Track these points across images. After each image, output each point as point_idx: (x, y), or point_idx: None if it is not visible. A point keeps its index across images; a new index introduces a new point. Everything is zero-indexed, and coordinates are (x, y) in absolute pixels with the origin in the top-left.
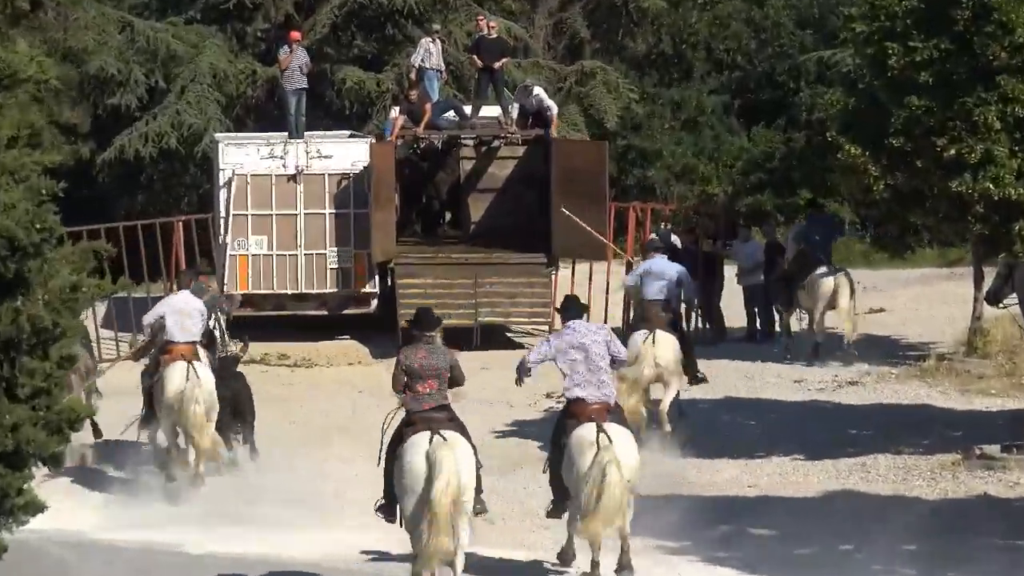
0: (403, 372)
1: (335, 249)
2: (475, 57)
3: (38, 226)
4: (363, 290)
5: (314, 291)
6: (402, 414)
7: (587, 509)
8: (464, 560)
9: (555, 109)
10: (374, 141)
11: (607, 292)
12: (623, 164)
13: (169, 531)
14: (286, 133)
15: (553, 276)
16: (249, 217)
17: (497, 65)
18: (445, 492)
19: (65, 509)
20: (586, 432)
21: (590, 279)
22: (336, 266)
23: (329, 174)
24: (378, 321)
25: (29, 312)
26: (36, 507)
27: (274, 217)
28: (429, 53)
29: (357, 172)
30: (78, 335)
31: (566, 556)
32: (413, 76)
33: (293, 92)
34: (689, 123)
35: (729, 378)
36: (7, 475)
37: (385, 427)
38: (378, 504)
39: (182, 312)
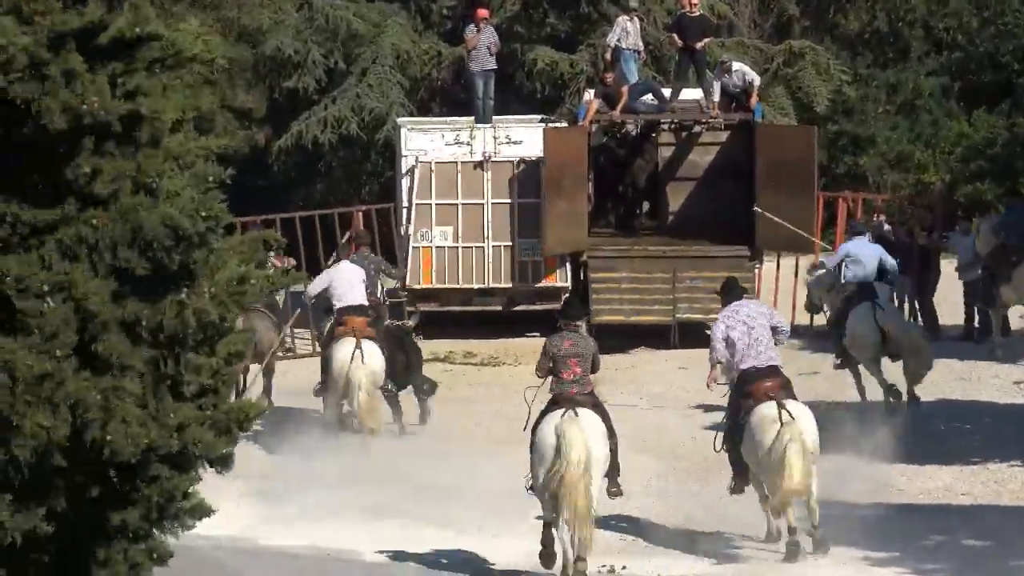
0: (549, 359)
1: (522, 241)
2: (675, 36)
3: (204, 214)
4: (552, 284)
5: (501, 285)
6: (545, 390)
7: (776, 485)
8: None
9: (758, 80)
10: (564, 125)
11: None
12: (833, 151)
13: (339, 532)
14: (472, 118)
15: (757, 270)
16: (433, 207)
17: (699, 45)
18: (572, 462)
19: (227, 509)
20: (767, 410)
21: (795, 274)
22: (524, 259)
23: (518, 161)
24: None
25: (195, 306)
26: (203, 511)
27: (460, 207)
28: (626, 32)
29: None
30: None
31: (770, 535)
32: (609, 57)
33: (480, 74)
34: (905, 107)
35: (943, 379)
36: (173, 477)
37: (531, 404)
38: (527, 483)
39: (347, 280)
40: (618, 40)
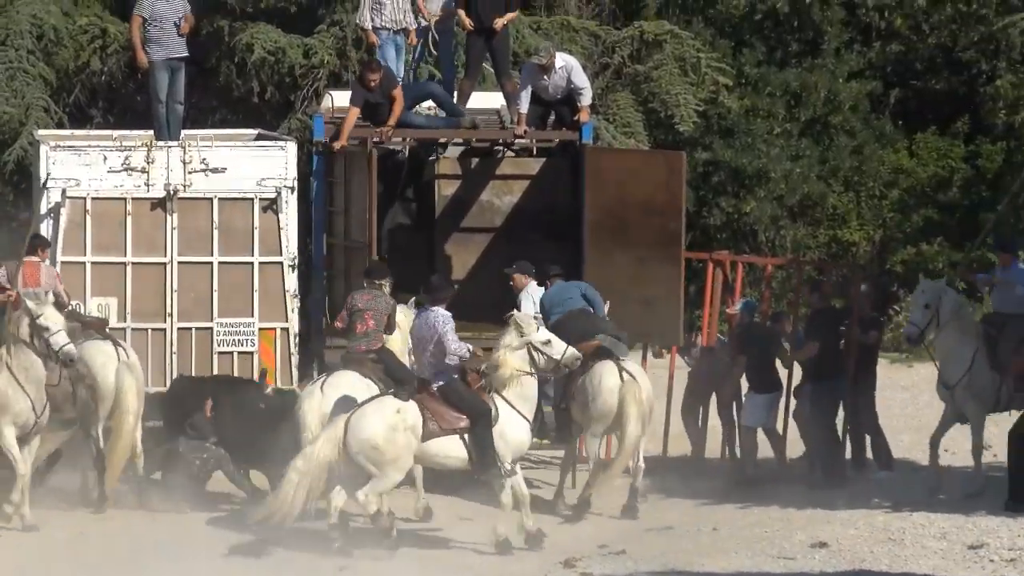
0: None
1: (225, 323)
2: (462, 12)
3: None
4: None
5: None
6: None
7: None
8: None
9: (589, 92)
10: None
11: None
12: (703, 191)
13: None
14: (151, 132)
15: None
16: (88, 266)
17: (498, 25)
18: None
19: None
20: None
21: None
22: (227, 348)
23: (220, 197)
24: None
25: None
26: None
27: (129, 267)
28: (380, 4)
29: (269, 195)
30: None
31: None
32: (373, 40)
33: (163, 64)
34: (814, 126)
35: None
36: None
37: None
38: None
39: None
40: (371, 16)
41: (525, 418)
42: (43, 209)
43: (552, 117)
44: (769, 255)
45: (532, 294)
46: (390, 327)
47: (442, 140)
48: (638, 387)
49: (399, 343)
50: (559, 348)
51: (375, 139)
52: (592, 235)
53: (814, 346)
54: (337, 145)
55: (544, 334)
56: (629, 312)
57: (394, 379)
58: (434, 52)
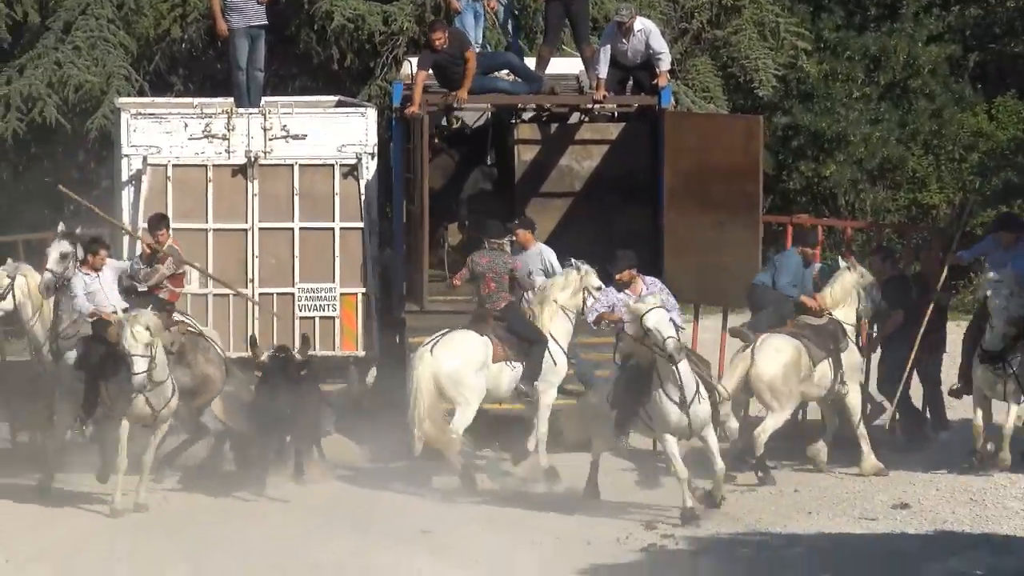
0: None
1: (307, 288)
2: None
3: None
4: (351, 353)
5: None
6: None
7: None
8: None
9: (667, 57)
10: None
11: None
12: (783, 155)
13: None
14: (231, 99)
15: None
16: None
17: None
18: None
19: None
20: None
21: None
22: (310, 314)
23: (301, 164)
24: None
25: None
26: None
27: (211, 234)
28: None
29: (349, 161)
30: None
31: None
32: (455, 6)
33: (243, 32)
34: (893, 90)
35: None
36: None
37: None
38: None
39: None
40: None
41: (561, 348)
42: (124, 177)
43: (631, 82)
44: (849, 218)
45: (544, 254)
46: (511, 286)
47: (521, 106)
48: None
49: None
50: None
51: (452, 104)
52: (671, 199)
53: (899, 314)
54: (408, 111)
55: (597, 281)
56: (706, 276)
57: (520, 337)
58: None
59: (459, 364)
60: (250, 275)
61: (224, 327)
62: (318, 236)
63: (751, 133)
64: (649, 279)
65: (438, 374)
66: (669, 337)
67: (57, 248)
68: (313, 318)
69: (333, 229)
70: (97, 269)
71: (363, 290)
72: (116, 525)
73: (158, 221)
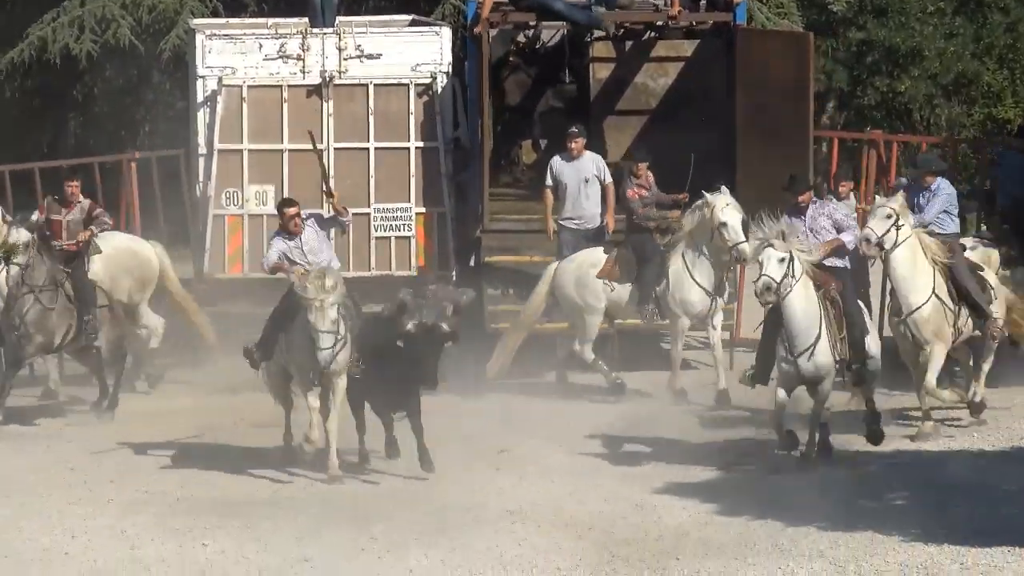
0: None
1: (382, 208)
2: None
3: None
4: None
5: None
6: None
7: None
8: None
9: None
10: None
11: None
12: (858, 71)
13: None
14: (306, 19)
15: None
16: (245, 154)
17: None
18: None
19: None
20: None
21: None
22: (385, 234)
23: (376, 83)
24: None
25: None
26: None
27: (286, 154)
28: None
29: (424, 81)
30: None
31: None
32: None
33: None
34: (968, 3)
35: None
36: None
37: None
38: None
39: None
40: None
41: (697, 283)
42: (200, 98)
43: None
44: (924, 134)
45: (596, 162)
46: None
47: (595, 23)
48: None
49: None
50: (734, 237)
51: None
52: (743, 115)
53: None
54: (477, 29)
55: (726, 216)
56: (773, 195)
57: (640, 257)
58: None
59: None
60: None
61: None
62: (393, 156)
63: (801, 49)
64: (819, 201)
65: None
66: (764, 275)
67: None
68: (389, 238)
69: (408, 149)
70: (293, 232)
71: (439, 210)
72: None
73: None
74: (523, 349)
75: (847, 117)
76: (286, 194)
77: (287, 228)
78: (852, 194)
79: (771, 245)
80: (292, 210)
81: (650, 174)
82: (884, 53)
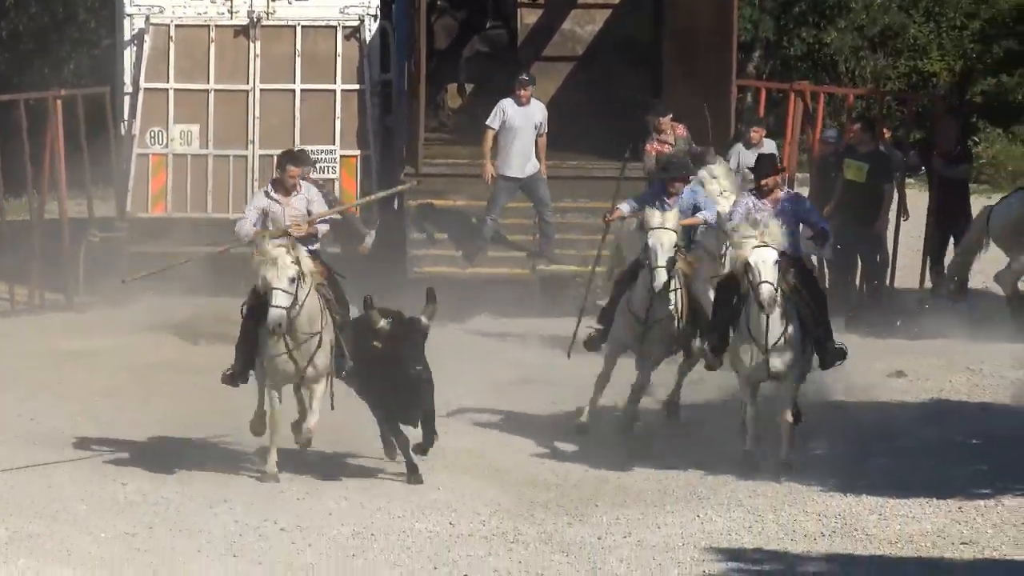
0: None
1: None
2: None
3: None
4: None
5: None
6: None
7: None
8: None
9: None
10: None
11: None
12: (785, 20)
13: None
14: None
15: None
16: (171, 93)
17: None
18: None
19: None
20: None
21: None
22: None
23: (303, 25)
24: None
25: None
26: None
27: (212, 94)
28: None
29: (352, 23)
30: None
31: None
32: None
33: None
34: None
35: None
36: None
37: None
38: None
39: None
40: None
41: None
42: (126, 36)
43: None
44: (850, 86)
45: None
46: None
47: None
48: None
49: None
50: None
51: None
52: (670, 63)
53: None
54: None
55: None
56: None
57: None
58: None
59: None
60: (250, 136)
61: (224, 186)
62: (319, 98)
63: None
64: (791, 193)
65: None
66: (764, 282)
67: None
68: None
69: (335, 91)
70: (288, 190)
71: (363, 152)
72: None
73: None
74: (453, 293)
75: (773, 67)
76: (211, 135)
77: (283, 184)
78: (765, 141)
79: (765, 244)
80: (295, 170)
81: (680, 126)
82: (811, 4)
